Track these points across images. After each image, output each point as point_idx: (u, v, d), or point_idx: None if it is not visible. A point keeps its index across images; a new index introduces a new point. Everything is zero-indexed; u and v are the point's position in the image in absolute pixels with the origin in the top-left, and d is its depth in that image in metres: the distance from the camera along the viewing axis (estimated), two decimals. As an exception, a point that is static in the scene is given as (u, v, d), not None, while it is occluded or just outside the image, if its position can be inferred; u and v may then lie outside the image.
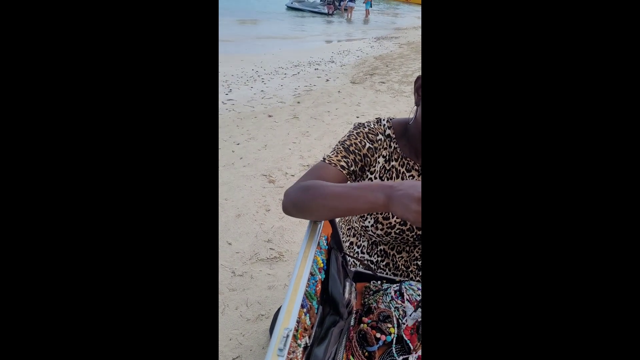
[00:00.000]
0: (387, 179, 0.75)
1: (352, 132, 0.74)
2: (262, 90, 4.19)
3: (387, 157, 0.74)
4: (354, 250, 0.83)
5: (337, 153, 0.70)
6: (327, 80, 4.76)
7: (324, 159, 0.70)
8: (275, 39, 8.03)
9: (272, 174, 2.37)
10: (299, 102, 3.83)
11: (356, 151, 0.71)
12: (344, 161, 0.69)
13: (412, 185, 0.48)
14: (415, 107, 0.70)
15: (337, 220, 0.74)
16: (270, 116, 3.40)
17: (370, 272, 0.78)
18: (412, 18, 15.17)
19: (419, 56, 6.42)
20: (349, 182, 0.74)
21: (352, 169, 0.70)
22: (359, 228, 0.78)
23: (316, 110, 3.59)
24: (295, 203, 0.62)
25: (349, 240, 0.85)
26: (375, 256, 0.81)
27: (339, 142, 0.73)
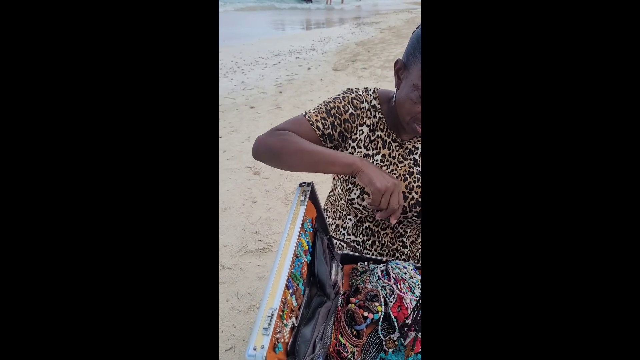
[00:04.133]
0: (373, 149, 0.76)
1: (339, 95, 0.75)
2: (242, 82, 4.12)
3: (372, 126, 0.75)
4: (340, 232, 0.84)
5: (318, 112, 0.72)
6: (309, 68, 4.71)
7: (305, 113, 0.72)
8: (253, 28, 7.87)
9: (257, 165, 2.34)
10: (281, 92, 3.78)
11: (337, 115, 0.72)
12: (321, 122, 0.71)
13: (381, 176, 0.60)
14: (396, 89, 0.70)
15: (322, 203, 0.74)
16: (252, 107, 3.35)
17: (357, 253, 0.78)
18: (393, 3, 15.05)
19: (401, 40, 6.41)
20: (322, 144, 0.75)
21: (327, 132, 0.71)
22: (345, 204, 0.79)
23: (299, 100, 3.55)
24: (272, 149, 0.65)
25: (334, 222, 0.85)
26: (361, 236, 0.82)
27: (324, 102, 0.74)
